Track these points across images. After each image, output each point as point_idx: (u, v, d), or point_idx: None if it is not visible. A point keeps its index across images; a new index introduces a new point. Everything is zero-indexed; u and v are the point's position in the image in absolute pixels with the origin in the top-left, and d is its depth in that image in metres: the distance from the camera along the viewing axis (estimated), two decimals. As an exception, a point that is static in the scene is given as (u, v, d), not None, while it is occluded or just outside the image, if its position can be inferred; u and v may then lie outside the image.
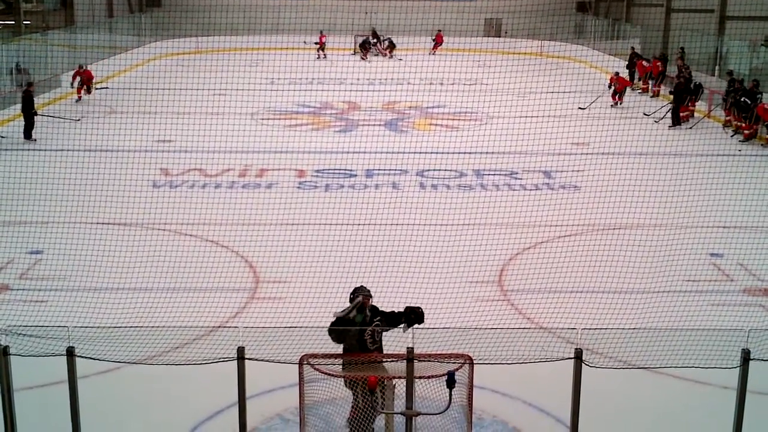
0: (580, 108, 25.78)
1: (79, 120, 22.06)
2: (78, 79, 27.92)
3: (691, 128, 24.51)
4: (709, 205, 15.05)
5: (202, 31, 38.05)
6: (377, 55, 43.74)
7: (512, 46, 41.02)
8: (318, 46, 42.31)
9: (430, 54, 43.42)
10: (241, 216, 15.33)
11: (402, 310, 8.29)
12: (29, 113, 22.42)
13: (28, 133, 22.38)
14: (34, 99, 23.04)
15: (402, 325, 8.18)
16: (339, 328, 8.13)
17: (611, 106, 27.34)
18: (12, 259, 13.32)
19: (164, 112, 21.59)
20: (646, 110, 26.52)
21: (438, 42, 44.76)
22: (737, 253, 13.70)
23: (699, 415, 9.10)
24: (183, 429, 8.62)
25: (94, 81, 28.57)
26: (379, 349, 8.27)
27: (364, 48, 42.75)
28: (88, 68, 28.31)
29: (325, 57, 42.10)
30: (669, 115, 25.16)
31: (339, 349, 8.17)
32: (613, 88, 28.04)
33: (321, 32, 41.28)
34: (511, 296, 12.20)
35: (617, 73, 28.26)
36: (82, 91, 28.18)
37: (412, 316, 8.18)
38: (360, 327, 8.11)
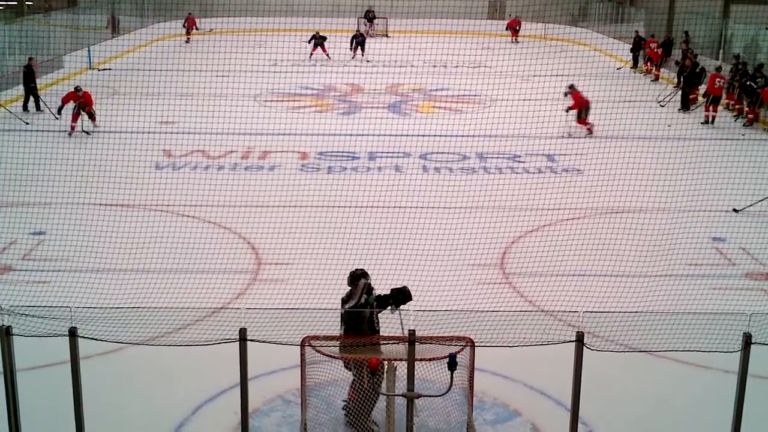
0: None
1: (58, 119, 21.98)
2: (72, 104, 20.78)
3: (694, 110, 24.47)
4: (711, 190, 15.04)
5: (204, 12, 37.96)
6: (373, 36, 41.89)
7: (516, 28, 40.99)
8: (186, 29, 39.19)
9: (512, 42, 40.62)
10: (244, 198, 15.34)
11: (388, 293, 8.31)
12: (28, 87, 23.03)
13: (25, 106, 23.10)
14: (35, 74, 23.50)
15: (390, 307, 8.19)
16: (354, 313, 8.11)
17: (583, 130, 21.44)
18: (15, 240, 13.33)
19: (167, 94, 21.56)
20: (652, 95, 26.45)
21: (513, 27, 41.88)
22: (739, 237, 13.70)
23: (700, 399, 9.12)
24: (185, 410, 8.65)
25: (93, 106, 21.20)
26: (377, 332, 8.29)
27: (361, 43, 36.62)
28: (86, 90, 21.28)
29: (188, 41, 38.51)
30: (677, 98, 25.13)
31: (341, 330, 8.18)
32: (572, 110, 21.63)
33: (189, 14, 38.48)
34: (512, 279, 12.21)
35: (571, 86, 22.05)
36: (80, 120, 20.69)
37: (400, 296, 8.22)
38: (361, 309, 8.11)
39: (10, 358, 7.08)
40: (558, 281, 11.79)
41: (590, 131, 21.36)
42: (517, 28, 42.00)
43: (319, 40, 35.63)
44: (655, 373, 9.50)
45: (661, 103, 25.18)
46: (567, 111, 21.54)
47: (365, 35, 37.59)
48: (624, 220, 14.06)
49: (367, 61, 34.43)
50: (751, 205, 15.18)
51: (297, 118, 22.87)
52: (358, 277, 8.31)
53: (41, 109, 23.12)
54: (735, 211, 15.05)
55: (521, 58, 26.77)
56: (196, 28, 39.23)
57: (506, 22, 43.34)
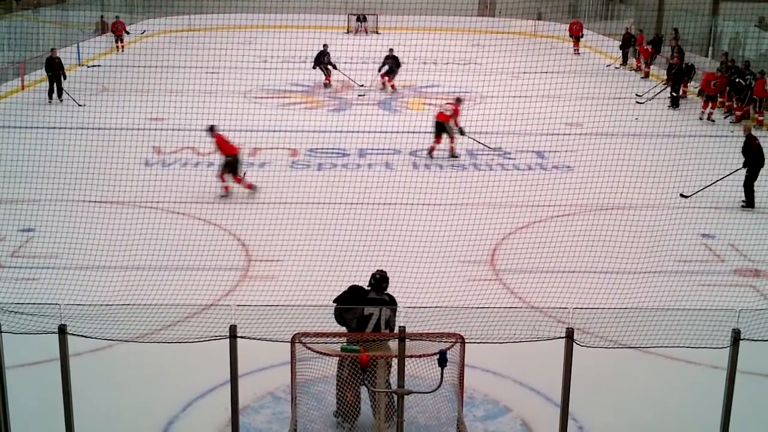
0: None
1: (83, 105, 22.33)
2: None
3: (685, 105, 24.57)
4: (700, 186, 15.07)
5: (194, 8, 37.83)
6: (362, 32, 42.45)
7: (506, 25, 40.98)
8: (116, 36, 35.17)
9: (574, 54, 35.35)
10: (234, 195, 15.30)
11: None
12: (57, 76, 24.04)
13: (59, 95, 24.17)
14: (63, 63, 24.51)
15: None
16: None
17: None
18: (3, 236, 13.29)
19: (156, 90, 21.51)
20: (639, 91, 26.50)
21: (576, 34, 36.43)
22: (728, 233, 13.75)
23: (689, 395, 9.16)
24: (175, 407, 8.65)
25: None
26: None
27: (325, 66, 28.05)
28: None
29: (122, 50, 34.85)
30: (662, 95, 25.18)
31: (331, 327, 8.19)
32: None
33: (117, 17, 35.45)
34: (503, 276, 12.23)
35: (211, 128, 16.21)
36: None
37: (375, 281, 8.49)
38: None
39: (-1, 355, 7.06)
40: (548, 278, 11.81)
41: (250, 187, 15.71)
42: (580, 35, 36.52)
43: (327, 59, 27.80)
44: (644, 369, 9.54)
45: (642, 100, 25.18)
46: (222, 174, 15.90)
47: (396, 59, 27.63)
48: (613, 216, 14.09)
49: (393, 90, 27.29)
50: (696, 193, 15.45)
51: (287, 114, 22.85)
52: (378, 278, 8.39)
53: (52, 100, 23.84)
54: (682, 196, 15.39)
55: (511, 55, 26.78)
56: (127, 33, 35.59)
57: (566, 26, 37.57)
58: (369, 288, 8.42)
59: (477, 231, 12.82)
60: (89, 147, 16.79)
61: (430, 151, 18.94)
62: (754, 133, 16.23)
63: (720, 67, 25.15)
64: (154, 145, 18.93)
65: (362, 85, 27.29)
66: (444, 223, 13.52)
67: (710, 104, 23.53)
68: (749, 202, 15.42)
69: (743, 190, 15.50)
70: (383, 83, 27.39)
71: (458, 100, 19.47)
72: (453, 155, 18.96)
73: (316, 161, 18.58)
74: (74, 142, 16.17)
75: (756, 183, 15.51)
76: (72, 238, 12.20)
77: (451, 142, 19.04)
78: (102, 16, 36.19)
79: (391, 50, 27.39)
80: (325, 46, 27.68)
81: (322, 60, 27.68)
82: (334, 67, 27.78)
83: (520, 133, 19.83)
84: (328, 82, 27.68)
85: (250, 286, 11.64)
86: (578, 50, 36.30)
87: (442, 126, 18.97)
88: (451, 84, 27.68)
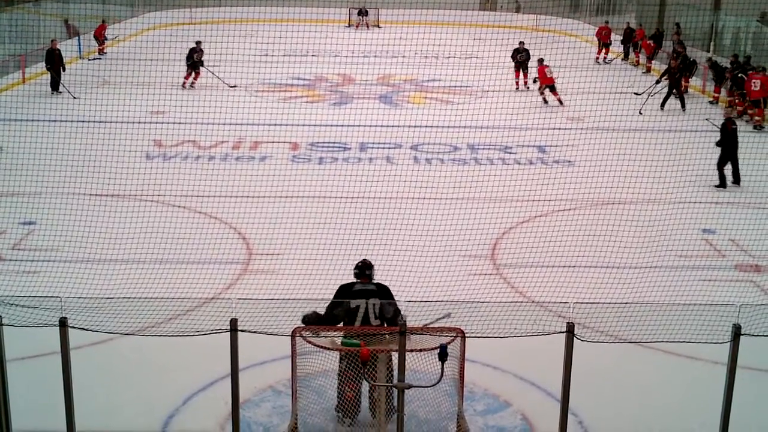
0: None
1: (77, 98, 22.40)
2: None
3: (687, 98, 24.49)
4: (701, 181, 15.07)
5: (195, 1, 37.77)
6: (363, 26, 43.33)
7: (507, 19, 40.95)
8: (98, 40, 32.91)
9: (597, 62, 33.06)
10: (235, 188, 15.32)
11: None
12: (57, 68, 24.40)
13: (57, 87, 24.48)
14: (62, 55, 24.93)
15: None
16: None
17: None
18: (4, 229, 13.29)
19: (157, 84, 21.49)
20: (636, 88, 26.42)
21: (605, 40, 33.34)
22: (729, 229, 13.74)
23: (689, 390, 9.16)
24: (175, 400, 8.65)
25: None
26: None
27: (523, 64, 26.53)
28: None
29: (103, 53, 32.81)
30: (664, 91, 25.11)
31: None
32: None
33: (103, 21, 33.52)
34: (503, 270, 12.23)
35: None
36: None
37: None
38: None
39: (0, 348, 7.06)
40: (548, 272, 11.82)
41: None
42: (609, 41, 33.38)
43: (198, 57, 25.71)
44: (644, 364, 9.54)
45: (649, 94, 25.13)
46: None
47: (528, 52, 26.56)
48: (614, 211, 14.08)
49: (534, 81, 24.98)
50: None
51: (288, 108, 22.82)
52: (366, 266, 8.28)
53: (60, 90, 24.12)
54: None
55: (513, 49, 26.75)
56: (105, 39, 33.38)
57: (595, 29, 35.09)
58: (355, 280, 8.33)
59: (478, 225, 12.81)
60: (90, 140, 16.80)
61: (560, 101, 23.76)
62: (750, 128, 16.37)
63: (730, 66, 24.92)
64: (155, 138, 18.92)
65: (234, 86, 25.11)
66: (445, 218, 13.53)
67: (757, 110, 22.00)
68: (722, 183, 16.02)
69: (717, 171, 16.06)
70: (525, 83, 26.25)
71: (540, 61, 24.06)
72: (561, 103, 23.67)
73: (317, 155, 18.57)
74: (75, 135, 16.19)
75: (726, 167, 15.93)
76: (73, 231, 12.19)
77: (556, 96, 23.78)
78: (66, 20, 34.28)
79: (521, 43, 26.56)
80: (198, 43, 25.53)
81: (193, 57, 25.54)
82: (201, 64, 25.63)
83: (521, 128, 19.84)
84: (187, 80, 25.53)
85: (250, 280, 11.64)
86: (607, 58, 33.44)
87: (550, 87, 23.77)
88: (452, 78, 27.62)
